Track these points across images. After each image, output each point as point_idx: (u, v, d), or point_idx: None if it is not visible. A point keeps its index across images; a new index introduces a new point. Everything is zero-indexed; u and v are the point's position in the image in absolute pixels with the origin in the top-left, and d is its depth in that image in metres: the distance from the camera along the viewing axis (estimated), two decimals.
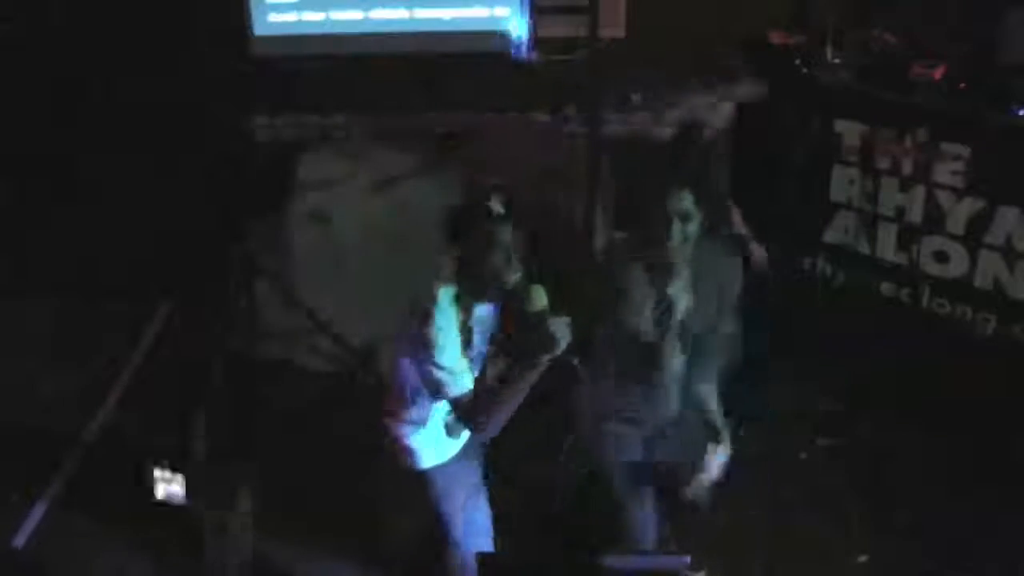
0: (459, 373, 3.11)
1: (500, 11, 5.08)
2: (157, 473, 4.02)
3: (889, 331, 4.73)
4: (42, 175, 5.81)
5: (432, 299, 3.09)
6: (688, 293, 3.37)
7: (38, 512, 4.48)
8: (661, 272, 3.35)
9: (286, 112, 5.27)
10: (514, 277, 3.10)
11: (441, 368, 3.09)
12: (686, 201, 3.21)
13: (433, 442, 3.40)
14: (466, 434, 3.42)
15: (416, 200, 5.13)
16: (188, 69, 5.48)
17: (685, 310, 3.38)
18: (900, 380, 4.54)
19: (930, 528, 4.22)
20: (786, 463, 4.64)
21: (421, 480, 3.45)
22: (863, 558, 4.15)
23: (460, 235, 3.11)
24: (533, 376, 3.05)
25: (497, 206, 3.09)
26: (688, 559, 2.97)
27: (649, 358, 3.43)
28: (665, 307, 3.36)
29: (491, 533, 3.65)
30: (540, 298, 3.05)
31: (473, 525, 3.58)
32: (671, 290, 3.35)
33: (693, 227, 3.24)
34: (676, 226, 3.21)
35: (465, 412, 3.16)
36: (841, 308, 4.87)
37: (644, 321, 3.37)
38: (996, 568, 4.07)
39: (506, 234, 3.08)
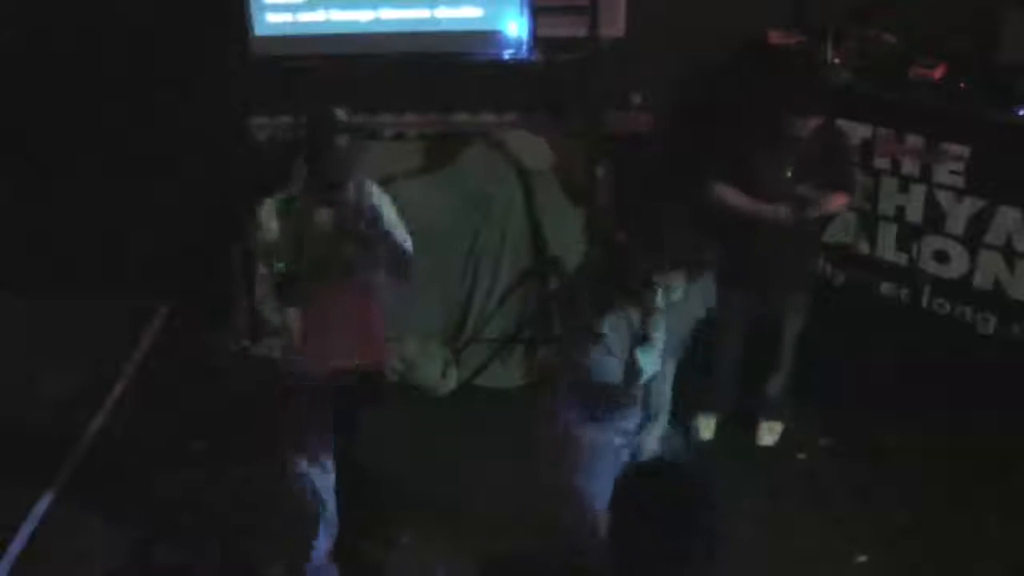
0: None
1: (499, 11, 5.07)
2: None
3: (889, 331, 4.73)
4: (42, 175, 5.80)
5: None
6: (657, 359, 3.26)
7: (38, 512, 4.47)
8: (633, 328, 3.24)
9: (286, 112, 5.26)
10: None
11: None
12: (675, 279, 3.18)
13: None
14: None
15: (416, 200, 5.13)
16: (188, 69, 5.48)
17: (649, 375, 3.27)
18: (900, 380, 4.53)
19: (930, 528, 4.23)
20: (786, 463, 4.65)
21: None
22: (863, 558, 4.15)
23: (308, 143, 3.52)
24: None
25: (342, 114, 3.50)
26: None
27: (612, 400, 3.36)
28: (632, 369, 3.25)
29: None
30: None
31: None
32: (641, 355, 3.22)
33: (677, 294, 3.21)
34: (659, 293, 3.15)
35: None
36: (841, 308, 4.86)
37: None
38: (996, 569, 4.07)
39: (343, 140, 3.47)
